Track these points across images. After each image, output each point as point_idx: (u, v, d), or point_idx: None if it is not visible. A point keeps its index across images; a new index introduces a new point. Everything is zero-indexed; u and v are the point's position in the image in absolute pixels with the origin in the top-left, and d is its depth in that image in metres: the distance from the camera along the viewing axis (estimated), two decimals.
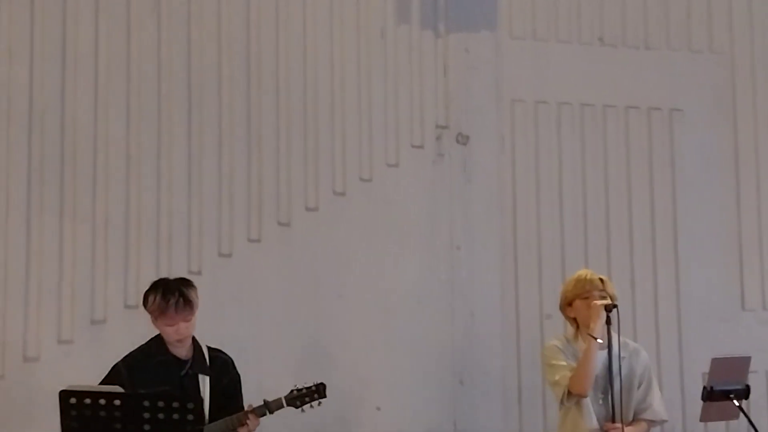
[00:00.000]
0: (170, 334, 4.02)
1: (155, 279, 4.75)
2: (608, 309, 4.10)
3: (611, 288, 4.30)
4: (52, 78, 4.80)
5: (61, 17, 4.84)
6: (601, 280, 4.29)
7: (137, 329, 4.66)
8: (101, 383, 4.06)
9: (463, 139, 5.30)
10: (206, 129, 4.97)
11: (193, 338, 4.13)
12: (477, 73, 5.35)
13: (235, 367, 4.21)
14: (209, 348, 4.17)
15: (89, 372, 4.56)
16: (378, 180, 5.17)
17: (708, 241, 5.53)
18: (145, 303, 4.07)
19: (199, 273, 4.79)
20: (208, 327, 4.27)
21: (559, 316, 4.46)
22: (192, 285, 4.10)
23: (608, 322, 4.10)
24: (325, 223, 5.07)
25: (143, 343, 4.16)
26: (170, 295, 3.99)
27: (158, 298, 4.00)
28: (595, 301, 4.16)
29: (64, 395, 3.48)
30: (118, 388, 3.59)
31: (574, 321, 4.32)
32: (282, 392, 4.17)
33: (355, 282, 5.07)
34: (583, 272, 4.36)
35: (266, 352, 4.85)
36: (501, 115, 5.37)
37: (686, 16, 5.68)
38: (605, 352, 4.16)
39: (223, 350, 4.22)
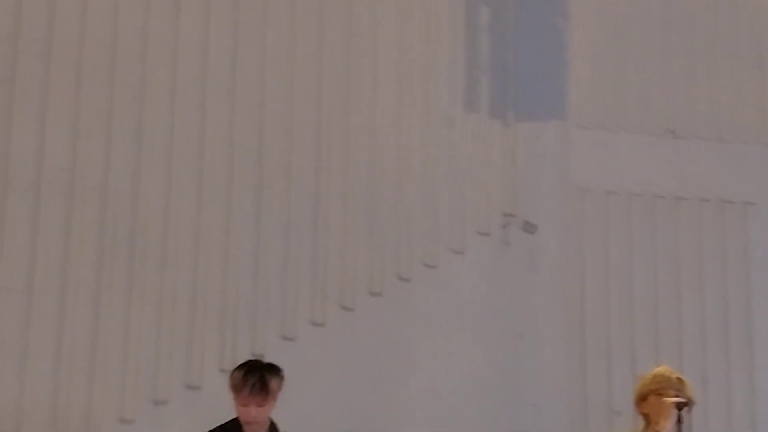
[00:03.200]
0: (241, 413, 4.04)
1: (218, 360, 4.80)
2: (680, 407, 3.95)
3: (689, 390, 4.15)
4: (126, 158, 4.89)
5: (137, 98, 4.94)
6: (680, 379, 4.16)
7: (198, 410, 4.68)
8: None
9: (530, 228, 5.24)
10: (273, 212, 5.00)
11: (272, 423, 4.12)
12: (545, 162, 5.32)
13: None
14: None
15: None
16: (443, 266, 5.13)
17: None
18: (230, 378, 4.10)
19: (261, 356, 4.75)
20: None
21: (630, 414, 4.30)
22: (278, 374, 4.09)
23: (680, 420, 3.95)
24: (389, 308, 5.03)
25: (222, 423, 4.11)
26: (251, 375, 4.02)
27: (239, 375, 4.04)
28: (666, 398, 4.02)
29: None
30: None
31: (646, 417, 4.18)
32: None
33: (418, 369, 4.99)
34: (662, 368, 4.24)
35: None
36: (569, 205, 5.31)
37: (760, 109, 5.61)
38: None
39: None
